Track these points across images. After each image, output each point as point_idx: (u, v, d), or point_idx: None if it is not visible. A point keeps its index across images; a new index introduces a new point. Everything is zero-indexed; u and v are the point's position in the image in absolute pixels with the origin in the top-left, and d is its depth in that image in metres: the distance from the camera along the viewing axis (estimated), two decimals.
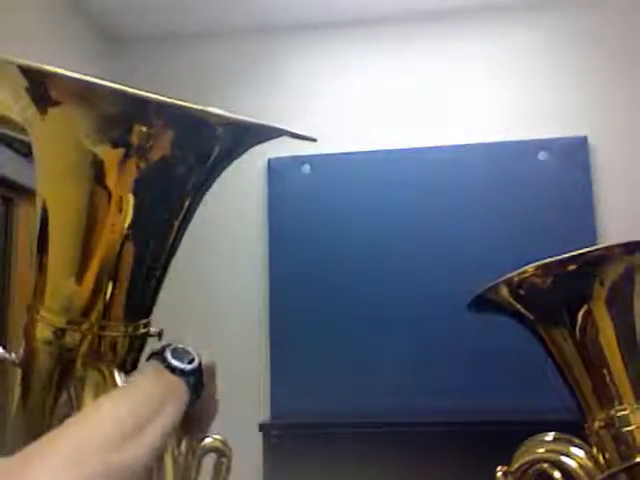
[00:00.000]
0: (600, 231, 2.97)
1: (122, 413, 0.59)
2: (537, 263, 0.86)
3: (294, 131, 0.65)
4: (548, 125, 3.10)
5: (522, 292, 0.89)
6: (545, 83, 3.15)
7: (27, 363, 0.71)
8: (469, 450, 2.65)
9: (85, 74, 0.58)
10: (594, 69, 3.12)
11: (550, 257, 0.87)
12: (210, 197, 3.04)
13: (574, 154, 3.05)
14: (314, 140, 0.67)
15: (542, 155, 3.07)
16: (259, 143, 0.68)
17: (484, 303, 0.94)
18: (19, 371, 0.72)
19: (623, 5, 3.12)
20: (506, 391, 2.88)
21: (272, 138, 0.67)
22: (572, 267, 0.86)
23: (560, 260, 0.86)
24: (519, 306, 0.91)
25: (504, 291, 0.90)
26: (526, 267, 0.86)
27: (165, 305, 3.12)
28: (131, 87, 0.59)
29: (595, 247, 0.85)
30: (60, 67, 0.57)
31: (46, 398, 0.71)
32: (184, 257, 3.16)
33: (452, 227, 3.06)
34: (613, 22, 3.13)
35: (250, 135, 0.68)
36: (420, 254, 3.05)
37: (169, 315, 2.89)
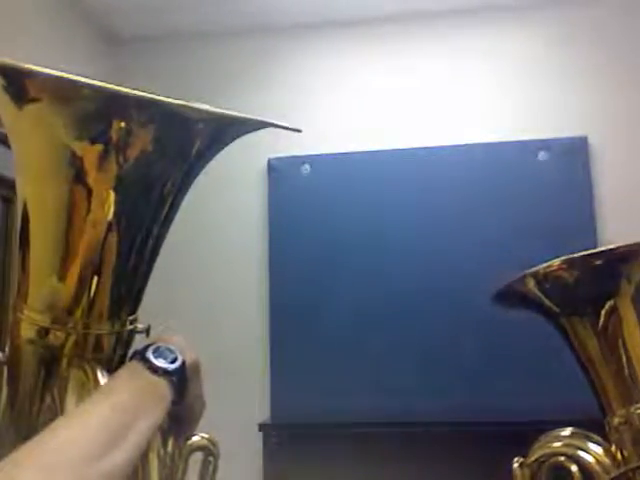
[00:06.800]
0: (600, 231, 2.97)
1: (100, 421, 0.59)
2: (563, 257, 0.86)
3: (278, 123, 0.65)
4: (548, 125, 3.10)
5: (547, 286, 0.89)
6: (545, 83, 3.15)
7: (13, 362, 0.71)
8: (470, 450, 2.65)
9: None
10: (594, 69, 3.12)
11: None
12: (210, 197, 3.07)
13: (574, 154, 3.05)
14: (299, 131, 0.67)
15: (542, 155, 3.07)
16: (242, 135, 0.68)
17: (508, 296, 0.93)
18: (5, 370, 0.72)
19: (623, 5, 3.12)
20: (507, 391, 2.87)
21: (255, 130, 0.67)
22: (599, 263, 0.86)
23: (587, 255, 0.86)
24: (544, 299, 0.91)
25: (530, 284, 0.89)
26: (552, 261, 0.86)
27: (165, 304, 3.12)
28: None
29: (624, 244, 0.85)
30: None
31: (33, 398, 0.70)
32: (184, 256, 3.17)
33: (452, 227, 3.06)
34: (613, 22, 3.13)
35: (232, 128, 0.67)
36: (420, 254, 3.05)
37: (169, 314, 2.89)
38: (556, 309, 0.91)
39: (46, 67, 0.57)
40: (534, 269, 0.88)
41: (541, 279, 0.89)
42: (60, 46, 2.88)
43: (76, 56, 3.01)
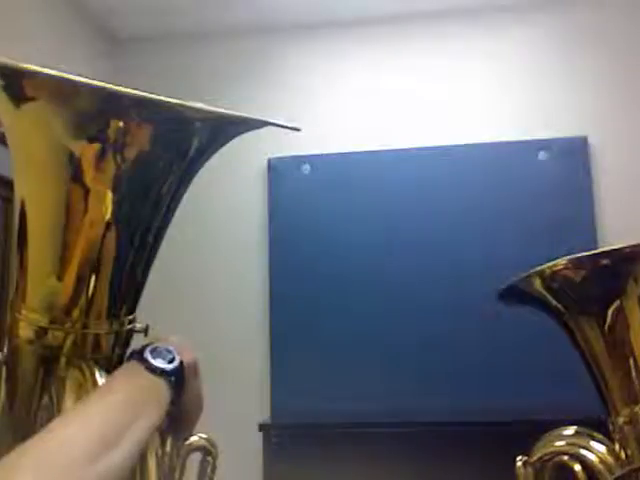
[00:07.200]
0: (600, 231, 2.97)
1: (98, 421, 0.59)
2: (569, 257, 0.86)
3: (277, 121, 0.65)
4: (548, 125, 3.10)
5: (553, 285, 0.89)
6: (545, 83, 3.15)
7: (11, 362, 0.71)
8: (471, 449, 2.65)
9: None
10: (594, 69, 3.12)
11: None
12: (210, 197, 3.07)
13: (574, 154, 3.04)
14: (298, 130, 0.67)
15: (542, 155, 3.07)
16: (241, 134, 0.68)
17: (513, 294, 0.93)
18: (4, 370, 0.72)
19: (624, 5, 3.11)
20: (508, 391, 2.87)
21: (253, 129, 0.67)
22: (605, 262, 0.86)
23: (593, 255, 0.86)
24: (549, 298, 0.91)
25: (535, 283, 0.89)
26: (558, 260, 0.86)
27: (165, 305, 3.12)
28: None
29: (630, 244, 0.85)
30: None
31: (31, 397, 0.70)
32: (184, 257, 3.18)
33: (452, 227, 3.06)
34: (613, 22, 3.13)
35: (231, 127, 0.68)
36: (420, 254, 3.05)
37: (169, 315, 2.89)
38: (561, 308, 0.91)
39: (46, 67, 0.57)
40: (539, 268, 0.88)
41: (547, 278, 0.89)
42: (60, 46, 2.88)
43: (76, 56, 3.01)
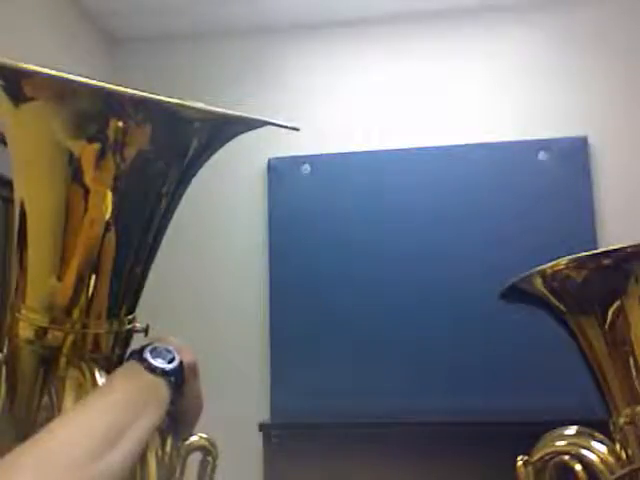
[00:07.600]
0: (600, 232, 2.97)
1: (98, 421, 0.59)
2: (571, 256, 0.86)
3: (275, 121, 0.65)
4: (548, 125, 3.10)
5: (554, 284, 0.89)
6: (545, 83, 3.15)
7: (11, 362, 0.71)
8: (471, 450, 2.65)
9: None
10: (594, 69, 3.12)
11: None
12: (210, 197, 3.07)
13: (574, 154, 3.04)
14: (297, 129, 0.67)
15: (542, 155, 3.06)
16: (240, 134, 0.68)
17: (515, 294, 0.93)
18: (4, 369, 0.72)
19: (624, 5, 3.11)
20: (508, 392, 2.87)
21: (253, 129, 0.67)
22: (606, 262, 0.86)
23: (594, 255, 0.86)
24: (551, 298, 0.91)
25: (537, 283, 0.89)
26: (559, 260, 0.87)
27: (165, 305, 3.12)
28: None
29: (631, 244, 0.85)
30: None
31: (31, 397, 0.70)
32: (184, 257, 3.17)
33: (452, 226, 3.06)
34: (613, 22, 3.13)
35: (230, 127, 0.68)
36: (419, 254, 3.05)
37: (169, 315, 2.88)
38: (563, 308, 0.91)
39: (45, 67, 0.57)
40: (540, 267, 0.88)
41: (548, 278, 0.89)
42: (59, 46, 2.88)
43: (76, 56, 3.01)
